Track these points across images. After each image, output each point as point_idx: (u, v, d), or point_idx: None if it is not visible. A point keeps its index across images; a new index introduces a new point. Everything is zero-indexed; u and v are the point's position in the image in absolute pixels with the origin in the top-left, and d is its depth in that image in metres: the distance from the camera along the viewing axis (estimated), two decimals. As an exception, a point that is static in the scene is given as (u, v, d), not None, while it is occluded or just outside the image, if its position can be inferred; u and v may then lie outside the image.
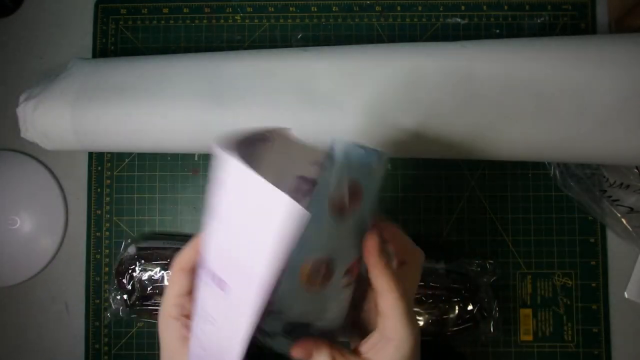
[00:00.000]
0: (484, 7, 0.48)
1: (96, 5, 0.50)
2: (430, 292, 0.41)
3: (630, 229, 0.44)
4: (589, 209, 0.45)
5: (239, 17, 0.49)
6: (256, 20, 0.49)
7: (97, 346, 0.47)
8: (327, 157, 0.24)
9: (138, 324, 0.47)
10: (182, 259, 0.29)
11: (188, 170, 0.48)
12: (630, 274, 0.46)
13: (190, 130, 0.40)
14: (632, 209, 0.44)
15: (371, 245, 0.27)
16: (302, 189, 0.27)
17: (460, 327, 0.41)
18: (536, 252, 0.46)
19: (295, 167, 0.28)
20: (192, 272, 0.28)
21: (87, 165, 0.49)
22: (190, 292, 0.29)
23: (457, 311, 0.41)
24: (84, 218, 0.48)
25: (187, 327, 0.28)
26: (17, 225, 0.47)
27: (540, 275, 0.46)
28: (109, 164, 0.48)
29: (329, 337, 0.28)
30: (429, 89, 0.37)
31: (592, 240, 0.46)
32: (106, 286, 0.47)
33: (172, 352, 0.28)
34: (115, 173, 0.48)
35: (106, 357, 0.47)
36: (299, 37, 0.49)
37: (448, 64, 0.38)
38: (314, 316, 0.27)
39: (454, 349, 0.45)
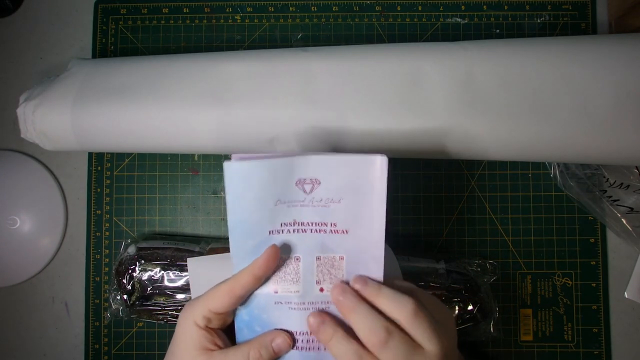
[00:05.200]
0: (484, 7, 0.48)
1: (96, 5, 0.50)
2: (430, 292, 0.41)
3: (630, 229, 0.44)
4: (589, 209, 0.45)
5: (239, 17, 0.49)
6: (256, 20, 0.49)
7: (97, 346, 0.47)
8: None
9: (138, 324, 0.47)
10: (238, 284, 0.29)
11: (188, 170, 0.48)
12: (630, 274, 0.46)
13: (190, 130, 0.40)
14: (632, 209, 0.44)
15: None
16: None
17: (460, 327, 0.41)
18: (536, 252, 0.46)
19: None
20: (240, 299, 0.29)
21: (87, 165, 0.49)
22: (224, 314, 0.29)
23: (457, 311, 0.41)
24: (84, 218, 0.48)
25: (208, 340, 0.29)
26: (17, 225, 0.47)
27: (540, 275, 0.46)
28: (109, 164, 0.48)
29: None
30: (429, 89, 0.37)
31: (592, 240, 0.46)
32: (106, 286, 0.47)
33: (184, 355, 0.29)
34: (115, 173, 0.48)
35: (106, 357, 0.47)
36: (299, 37, 0.49)
37: (448, 64, 0.38)
38: None
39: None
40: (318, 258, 0.30)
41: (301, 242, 0.30)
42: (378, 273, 0.30)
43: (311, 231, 0.30)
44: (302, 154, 0.29)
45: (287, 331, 0.30)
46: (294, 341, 0.30)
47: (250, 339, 0.30)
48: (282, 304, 0.30)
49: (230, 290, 0.29)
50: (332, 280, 0.30)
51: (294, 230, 0.30)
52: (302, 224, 0.30)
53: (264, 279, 0.30)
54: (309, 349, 0.30)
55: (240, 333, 0.31)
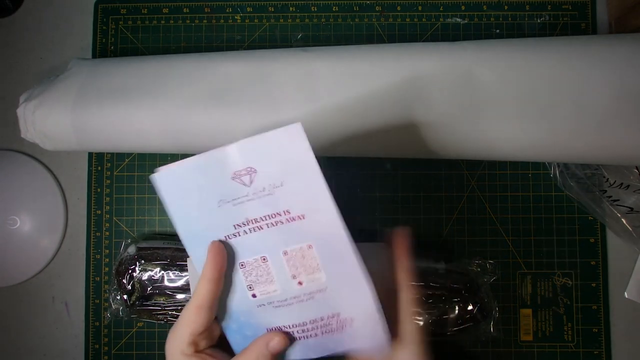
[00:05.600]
0: (484, 7, 0.48)
1: (96, 5, 0.50)
2: (430, 292, 0.41)
3: (630, 229, 0.44)
4: (589, 209, 0.45)
5: (239, 17, 0.49)
6: (256, 20, 0.49)
7: (97, 346, 0.47)
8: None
9: (138, 324, 0.47)
10: (201, 296, 0.28)
11: (188, 170, 0.48)
12: (630, 274, 0.46)
13: (190, 130, 0.40)
14: (632, 209, 0.43)
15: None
16: None
17: (460, 327, 0.41)
18: (536, 252, 0.46)
19: None
20: (211, 309, 0.28)
21: (87, 165, 0.49)
22: (206, 330, 0.29)
23: (457, 311, 0.41)
24: (84, 218, 0.48)
25: None
26: (17, 225, 0.47)
27: (540, 275, 0.46)
28: (109, 164, 0.48)
29: None
30: (429, 89, 0.37)
31: (592, 240, 0.46)
32: (106, 286, 0.47)
33: None
34: (115, 173, 0.48)
35: (106, 357, 0.47)
36: (299, 37, 0.49)
37: (448, 64, 0.38)
38: None
39: (462, 349, 0.45)
40: (285, 253, 0.28)
41: (262, 241, 0.28)
42: (349, 254, 0.28)
43: (267, 226, 0.28)
44: (224, 145, 0.27)
45: (280, 328, 0.30)
46: (289, 335, 0.29)
47: (245, 348, 0.30)
48: (265, 306, 0.30)
49: (199, 306, 0.28)
50: (307, 272, 0.28)
51: (249, 230, 0.28)
52: (256, 220, 0.28)
53: (223, 278, 0.29)
54: (308, 337, 0.30)
55: (235, 342, 0.31)
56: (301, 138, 0.26)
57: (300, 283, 0.29)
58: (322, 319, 0.29)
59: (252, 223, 0.28)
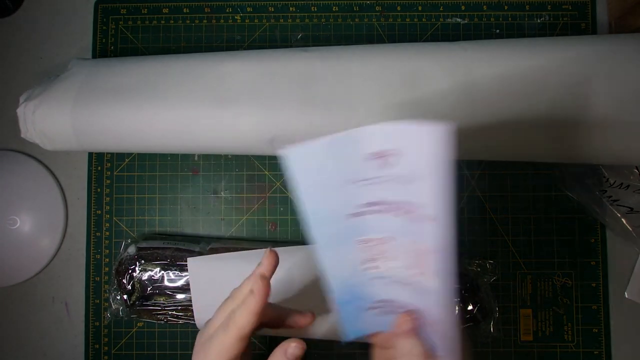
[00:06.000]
0: (484, 7, 0.48)
1: (96, 5, 0.50)
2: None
3: (630, 229, 0.44)
4: (589, 209, 0.45)
5: (239, 17, 0.49)
6: (256, 20, 0.49)
7: (97, 346, 0.47)
8: None
9: (138, 324, 0.47)
10: (244, 328, 0.29)
11: (188, 170, 0.48)
12: (630, 274, 0.46)
13: (190, 130, 0.40)
14: (632, 209, 0.44)
15: None
16: None
17: (460, 327, 0.41)
18: (536, 252, 0.46)
19: None
20: (250, 337, 0.30)
21: (87, 165, 0.49)
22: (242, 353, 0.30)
23: (457, 311, 0.41)
24: (84, 218, 0.48)
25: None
26: (17, 225, 0.47)
27: (540, 275, 0.46)
28: (109, 164, 0.48)
29: None
30: (429, 89, 0.37)
31: (592, 240, 0.46)
32: (106, 286, 0.47)
33: None
34: (115, 173, 0.48)
35: (106, 357, 0.47)
36: (299, 37, 0.49)
37: (448, 65, 0.38)
38: None
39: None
40: (412, 242, 0.27)
41: (384, 224, 0.28)
42: (452, 270, 0.27)
43: (393, 213, 0.27)
44: (362, 126, 0.26)
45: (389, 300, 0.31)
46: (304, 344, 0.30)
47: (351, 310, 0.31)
48: (377, 279, 0.30)
49: (242, 336, 0.29)
50: (421, 270, 0.27)
51: (375, 212, 0.28)
52: (384, 203, 0.27)
53: (262, 311, 0.30)
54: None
55: (346, 318, 0.32)
56: (446, 141, 0.24)
57: (413, 275, 0.29)
58: (422, 312, 0.30)
59: (378, 205, 0.27)
